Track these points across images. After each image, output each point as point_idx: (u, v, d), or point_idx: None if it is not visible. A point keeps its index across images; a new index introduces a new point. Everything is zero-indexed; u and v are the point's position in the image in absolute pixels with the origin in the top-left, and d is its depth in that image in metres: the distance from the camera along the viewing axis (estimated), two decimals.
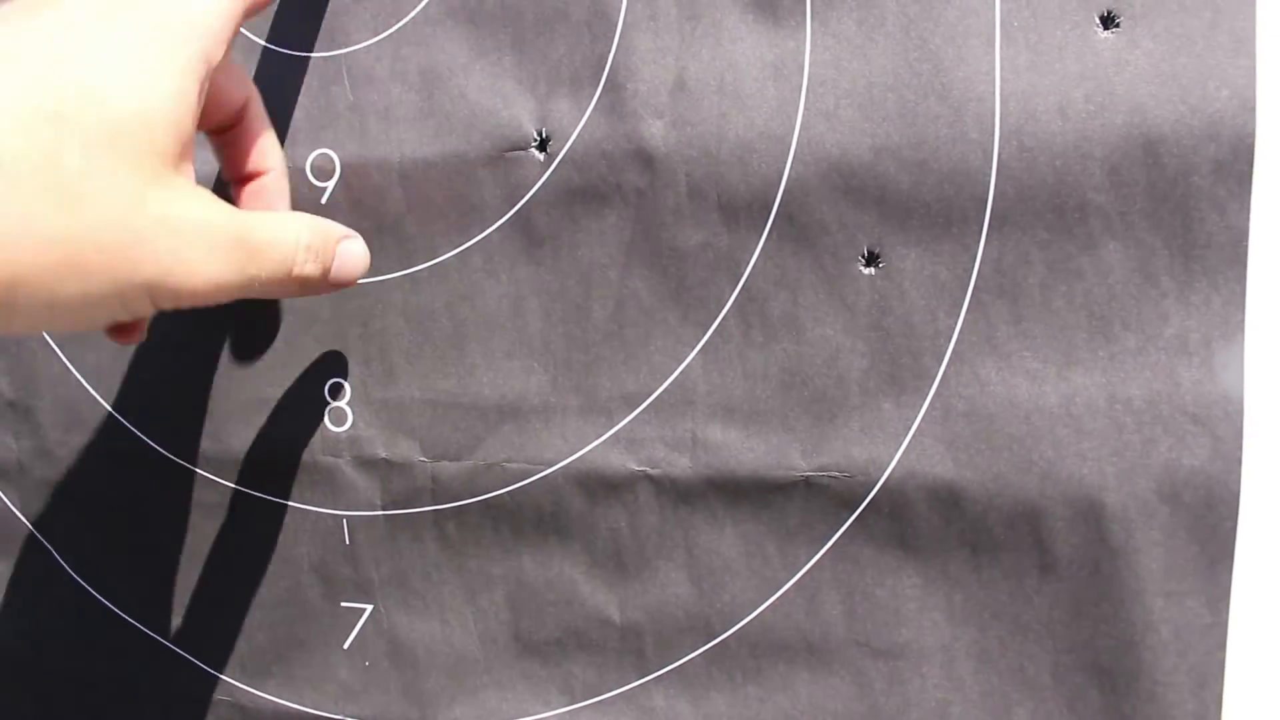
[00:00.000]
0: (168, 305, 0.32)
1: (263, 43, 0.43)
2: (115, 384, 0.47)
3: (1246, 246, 0.34)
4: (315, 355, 0.44)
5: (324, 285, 0.36)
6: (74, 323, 0.30)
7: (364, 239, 0.40)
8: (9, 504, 0.49)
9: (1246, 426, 0.34)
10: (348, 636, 0.45)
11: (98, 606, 0.49)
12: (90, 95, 0.30)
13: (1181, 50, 0.34)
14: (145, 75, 0.31)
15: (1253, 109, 0.33)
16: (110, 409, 0.47)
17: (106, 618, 0.48)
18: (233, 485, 0.46)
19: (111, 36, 0.31)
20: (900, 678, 0.38)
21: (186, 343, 0.45)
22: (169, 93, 0.31)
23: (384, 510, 0.44)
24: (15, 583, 0.51)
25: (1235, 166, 0.33)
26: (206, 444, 0.46)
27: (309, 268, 0.35)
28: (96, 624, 0.49)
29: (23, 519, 0.49)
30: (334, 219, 0.41)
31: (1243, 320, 0.34)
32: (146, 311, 0.31)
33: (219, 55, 0.33)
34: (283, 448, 0.45)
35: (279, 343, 0.44)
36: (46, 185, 0.28)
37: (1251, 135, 0.33)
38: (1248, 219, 0.34)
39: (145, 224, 0.30)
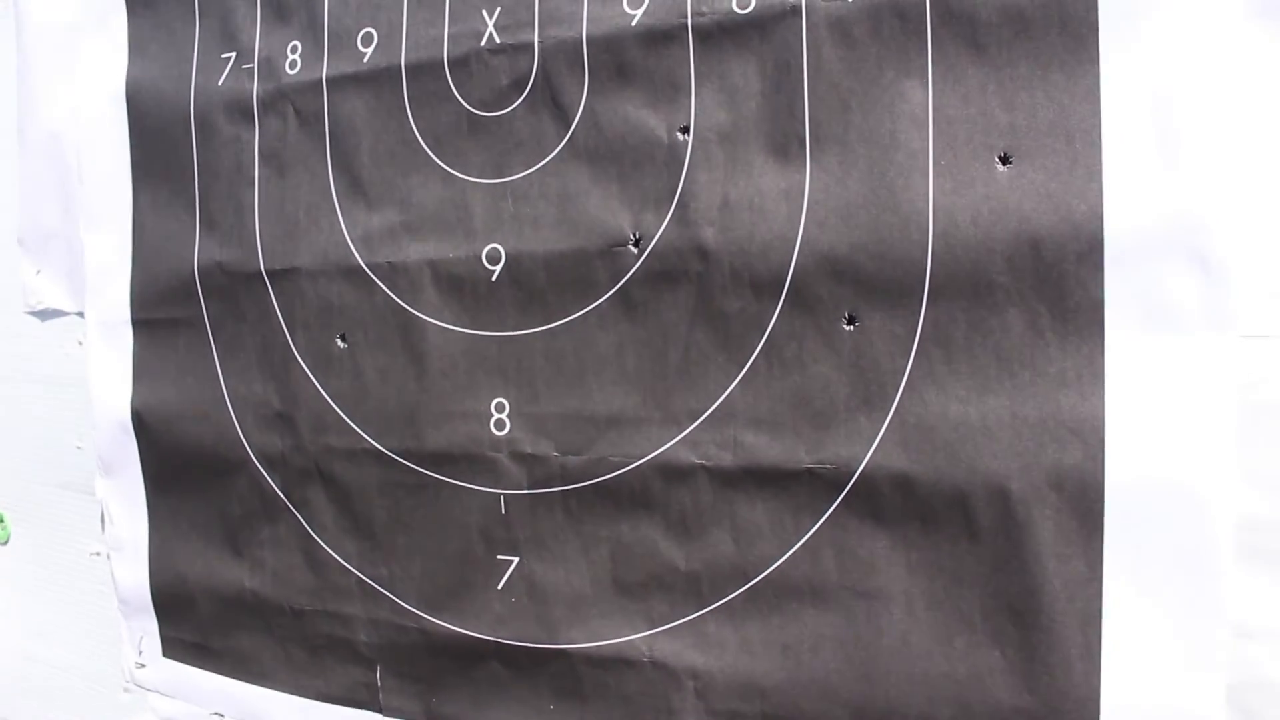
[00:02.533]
0: None
1: (451, 170, 0.55)
2: (349, 401, 0.59)
3: (1103, 310, 0.41)
4: (484, 382, 0.54)
5: None
6: None
7: (519, 307, 0.51)
8: (274, 486, 0.61)
9: (1107, 436, 0.41)
10: (501, 579, 0.55)
11: (331, 559, 0.60)
12: None
13: (1053, 179, 0.42)
14: None
15: (1101, 217, 0.41)
16: (345, 417, 0.59)
17: (335, 567, 0.60)
18: (426, 472, 0.56)
19: None
20: (875, 613, 0.46)
21: (390, 367, 0.56)
22: None
23: (529, 490, 0.53)
24: (275, 541, 0.62)
25: (1091, 256, 0.41)
26: (410, 443, 0.57)
27: None
28: (328, 571, 0.60)
29: (283, 497, 0.61)
30: (499, 293, 0.53)
31: (1102, 361, 0.42)
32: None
33: None
34: (460, 445, 0.55)
35: (461, 374, 0.55)
36: None
37: (1100, 234, 0.41)
38: (1102, 292, 0.41)
39: None
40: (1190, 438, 0.41)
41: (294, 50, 0.62)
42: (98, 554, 0.75)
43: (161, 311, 0.67)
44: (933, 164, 0.45)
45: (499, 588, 0.55)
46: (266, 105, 0.63)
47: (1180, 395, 0.41)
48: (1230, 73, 0.40)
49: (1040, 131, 0.43)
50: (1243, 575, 0.41)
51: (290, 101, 0.62)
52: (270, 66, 0.63)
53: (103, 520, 0.73)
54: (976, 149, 0.44)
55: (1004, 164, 0.44)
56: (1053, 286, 0.43)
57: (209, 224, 0.66)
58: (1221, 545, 0.41)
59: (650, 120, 0.51)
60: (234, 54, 0.64)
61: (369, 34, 0.59)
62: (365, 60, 0.59)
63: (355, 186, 0.59)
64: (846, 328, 0.47)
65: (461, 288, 0.51)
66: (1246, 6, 0.40)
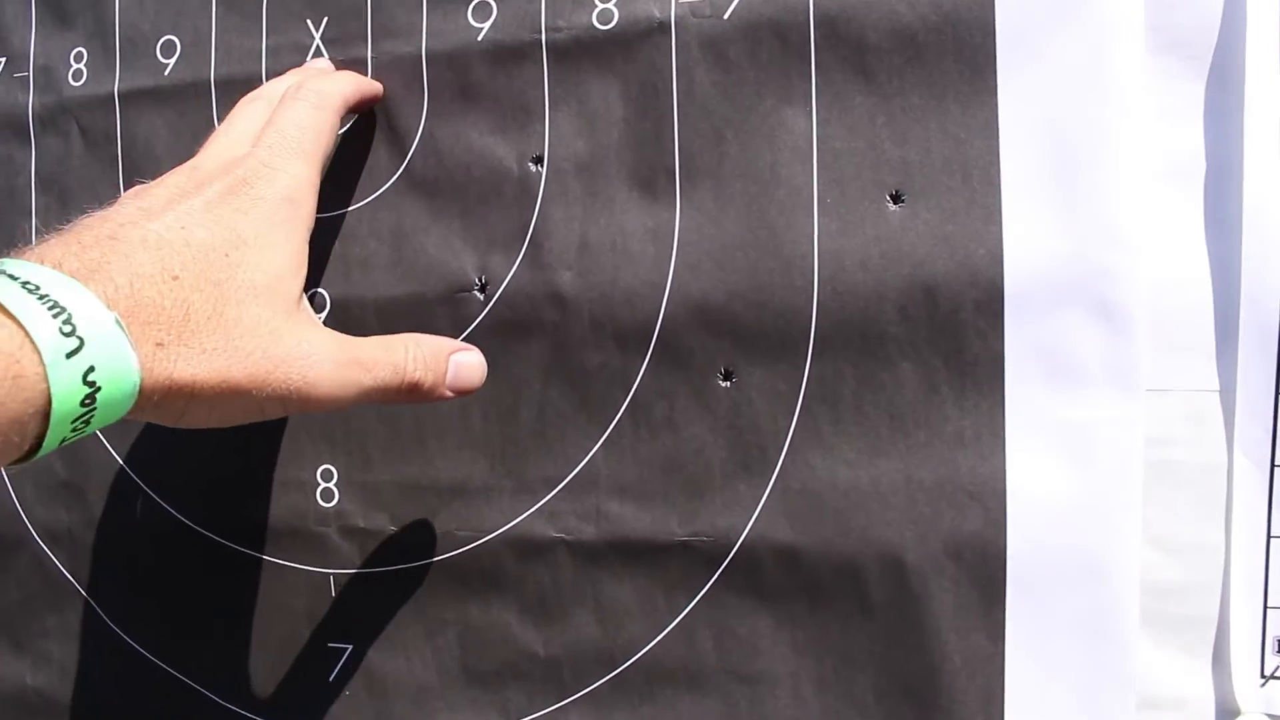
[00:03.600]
0: (296, 412, 0.38)
1: None
2: (149, 468, 0.53)
3: (1003, 364, 0.39)
4: (309, 447, 0.50)
5: (444, 393, 0.41)
6: (223, 423, 0.37)
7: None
8: (60, 566, 0.55)
9: (1008, 500, 0.39)
10: (332, 671, 0.50)
11: (132, 652, 0.54)
12: (240, 265, 0.37)
13: (949, 220, 0.39)
14: (275, 250, 0.38)
15: (1001, 263, 0.39)
16: (145, 487, 0.53)
17: (137, 660, 0.54)
18: (242, 549, 0.51)
19: (256, 225, 0.38)
20: (759, 699, 0.43)
21: (206, 435, 0.51)
22: (290, 260, 0.39)
23: (362, 569, 0.49)
24: (63, 631, 0.56)
25: (991, 305, 0.39)
26: (224, 516, 0.51)
27: (418, 374, 0.40)
28: (129, 665, 0.54)
29: (71, 579, 0.55)
30: None
31: (1003, 418, 0.39)
32: (280, 415, 0.38)
33: (312, 224, 0.41)
34: (283, 519, 0.50)
35: (283, 439, 0.50)
36: (213, 329, 0.35)
37: (1000, 281, 0.39)
38: (1002, 343, 0.39)
39: (281, 352, 0.36)
40: (1094, 499, 0.39)
41: (79, 59, 0.55)
42: None
43: None
44: (817, 202, 0.41)
45: (330, 679, 0.50)
46: (45, 121, 0.56)
47: (1084, 454, 0.39)
48: (1131, 109, 0.38)
49: (934, 168, 0.40)
50: (1149, 643, 0.40)
51: (74, 118, 0.55)
52: (49, 76, 0.55)
53: None
54: (865, 186, 0.41)
55: (895, 203, 0.41)
56: (949, 338, 0.40)
57: None
58: (1127, 613, 0.39)
59: (498, 148, 0.46)
60: (3, 59, 0.57)
61: (170, 42, 0.52)
62: (166, 73, 0.52)
63: None
64: (722, 384, 0.43)
65: None
66: (1149, 41, 0.38)
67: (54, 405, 0.30)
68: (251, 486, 0.51)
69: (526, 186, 0.45)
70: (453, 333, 0.46)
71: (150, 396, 0.33)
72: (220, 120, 0.51)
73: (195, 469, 0.52)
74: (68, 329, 0.30)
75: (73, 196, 0.55)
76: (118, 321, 0.31)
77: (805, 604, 0.42)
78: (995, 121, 0.39)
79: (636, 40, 0.44)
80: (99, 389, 0.31)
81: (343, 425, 0.49)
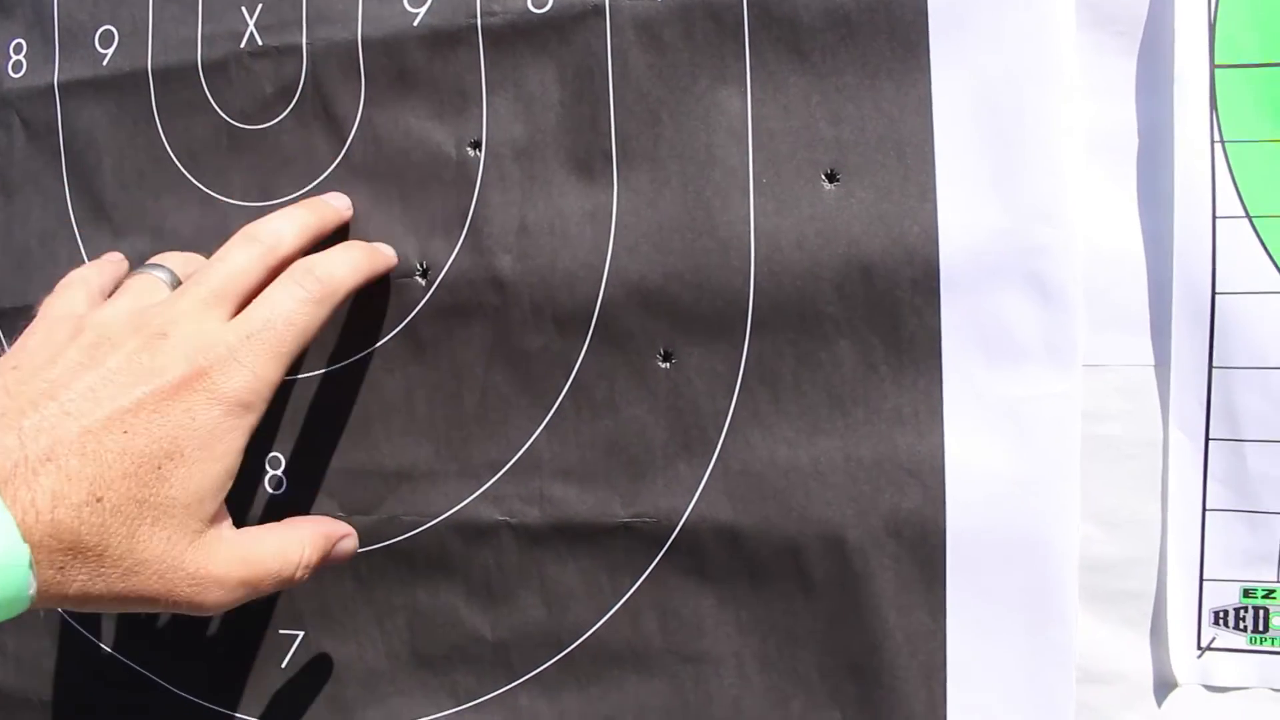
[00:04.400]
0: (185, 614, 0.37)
1: (210, 192, 0.49)
2: None
3: (940, 341, 0.39)
4: (257, 435, 0.45)
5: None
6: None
7: None
8: None
9: (947, 477, 0.39)
10: (285, 657, 0.49)
11: (87, 643, 0.53)
12: (168, 481, 0.35)
13: (884, 198, 0.39)
14: (210, 466, 0.36)
15: (936, 240, 0.38)
16: None
17: (90, 649, 0.53)
18: None
19: (199, 435, 0.36)
20: (703, 678, 0.43)
21: None
22: (219, 478, 0.37)
23: None
24: (17, 624, 0.51)
25: (926, 283, 0.39)
26: None
27: (304, 578, 0.40)
28: (86, 658, 0.53)
29: None
30: None
31: (941, 395, 0.39)
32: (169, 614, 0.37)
33: (258, 422, 0.38)
34: (232, 507, 0.47)
35: None
36: (120, 555, 0.34)
37: (935, 259, 0.39)
38: (939, 320, 0.39)
39: (178, 578, 0.35)
40: (1033, 475, 0.39)
41: (18, 50, 0.54)
42: None
43: None
44: (753, 182, 0.41)
45: (282, 666, 0.50)
46: None
47: (1022, 430, 0.39)
48: (1061, 84, 0.38)
49: (869, 146, 0.40)
50: (1088, 618, 0.40)
51: (15, 110, 0.54)
52: None
53: None
54: (800, 165, 0.41)
55: (831, 182, 0.40)
56: (886, 316, 0.40)
57: None
58: (1067, 588, 0.39)
59: (436, 133, 0.46)
60: None
61: (108, 32, 0.52)
62: (105, 63, 0.52)
63: (98, 210, 0.52)
64: (662, 365, 0.43)
65: None
66: (1080, 17, 0.38)
67: None
68: None
69: (465, 171, 0.45)
70: (397, 318, 0.46)
71: (37, 604, 0.33)
72: (159, 111, 0.51)
73: None
74: None
75: (17, 189, 0.54)
76: (30, 563, 0.31)
77: (747, 583, 0.42)
78: (929, 99, 0.39)
79: (571, 23, 0.43)
80: None
81: (290, 414, 0.49)
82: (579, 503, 0.44)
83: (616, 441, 0.44)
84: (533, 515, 0.45)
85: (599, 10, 0.43)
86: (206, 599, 0.36)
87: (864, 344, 0.40)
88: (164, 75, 0.51)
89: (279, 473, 0.49)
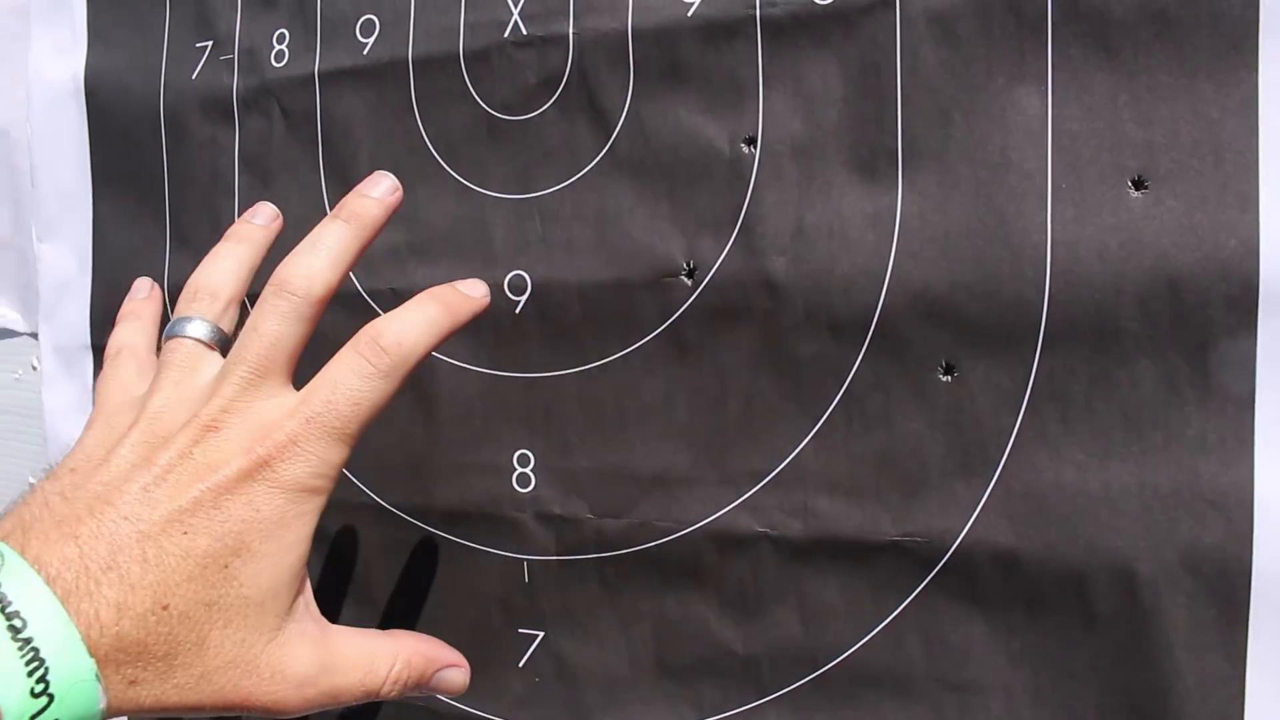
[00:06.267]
0: None
1: (467, 183, 0.49)
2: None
3: (1255, 365, 0.36)
4: (506, 431, 0.49)
5: (418, 693, 0.39)
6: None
7: (548, 344, 0.45)
8: None
9: (1256, 511, 0.36)
10: (522, 657, 0.49)
11: None
12: (237, 579, 0.34)
13: (1197, 208, 0.36)
14: (279, 559, 0.35)
15: (1256, 255, 0.36)
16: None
17: None
18: (436, 531, 0.51)
19: (265, 526, 0.34)
20: (969, 709, 0.41)
21: (393, 411, 0.51)
22: (291, 569, 0.35)
23: (557, 556, 0.48)
24: None
25: (1243, 301, 0.36)
26: (416, 498, 0.51)
27: (393, 694, 0.38)
28: None
29: None
30: (524, 327, 0.46)
31: (1252, 424, 0.36)
32: None
33: (325, 505, 0.37)
34: (476, 503, 0.49)
35: (479, 421, 0.49)
36: (191, 663, 0.33)
37: (1256, 276, 0.36)
38: (1255, 343, 0.36)
39: (253, 684, 0.34)
40: None
41: (281, 40, 0.55)
42: None
43: None
44: (1051, 188, 0.39)
45: (520, 665, 0.49)
46: (248, 103, 0.56)
47: None
48: None
49: (1183, 151, 0.37)
50: None
51: (276, 99, 0.55)
52: (253, 58, 0.56)
53: None
54: (1104, 171, 0.38)
55: (1137, 189, 0.38)
56: (1193, 335, 0.37)
57: (181, 238, 0.59)
58: None
59: (708, 129, 0.44)
60: (210, 43, 0.58)
61: (369, 21, 0.52)
62: (365, 52, 0.52)
63: None
64: (943, 378, 0.41)
65: (479, 321, 0.43)
66: None
67: None
68: (443, 469, 0.51)
69: (738, 168, 0.44)
70: (659, 319, 0.45)
71: (110, 716, 0.32)
72: (418, 101, 0.51)
73: (386, 448, 0.52)
74: (39, 687, 0.29)
75: (274, 177, 0.55)
76: (96, 675, 0.31)
77: (1023, 612, 0.40)
78: (1254, 101, 0.36)
79: (858, 16, 0.42)
80: None
81: (541, 410, 0.48)
82: (845, 518, 0.42)
83: (889, 456, 0.42)
84: (795, 528, 0.43)
85: (888, 3, 0.41)
86: (286, 703, 0.35)
87: (1167, 364, 0.37)
88: (424, 64, 0.51)
89: (528, 470, 0.48)
